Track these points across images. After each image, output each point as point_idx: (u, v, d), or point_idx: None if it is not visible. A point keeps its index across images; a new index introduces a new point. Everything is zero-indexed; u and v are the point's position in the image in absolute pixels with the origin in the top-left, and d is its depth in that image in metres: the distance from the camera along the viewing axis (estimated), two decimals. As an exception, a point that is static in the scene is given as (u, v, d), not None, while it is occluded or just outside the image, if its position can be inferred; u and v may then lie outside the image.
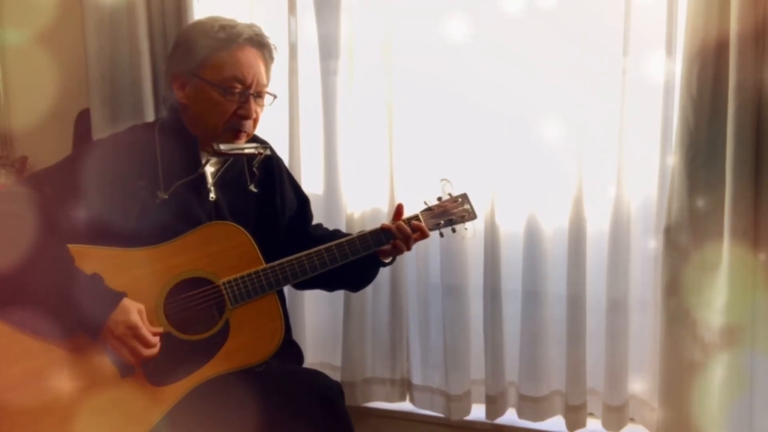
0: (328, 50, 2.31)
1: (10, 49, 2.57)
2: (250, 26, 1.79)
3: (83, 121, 2.37)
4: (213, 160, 1.81)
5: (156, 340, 1.63)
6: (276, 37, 2.27)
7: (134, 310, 1.61)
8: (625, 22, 2.02)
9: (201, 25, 1.80)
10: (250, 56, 1.76)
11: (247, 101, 1.76)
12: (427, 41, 2.22)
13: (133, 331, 1.59)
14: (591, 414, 2.26)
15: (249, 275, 1.71)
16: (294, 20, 2.28)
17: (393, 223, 1.85)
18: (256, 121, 1.81)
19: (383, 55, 2.23)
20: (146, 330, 1.61)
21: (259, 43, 1.78)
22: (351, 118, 2.30)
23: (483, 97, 2.17)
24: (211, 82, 1.74)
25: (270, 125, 2.22)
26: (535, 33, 2.11)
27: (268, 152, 1.81)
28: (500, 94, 2.16)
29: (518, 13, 2.10)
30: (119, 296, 1.61)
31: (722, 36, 1.85)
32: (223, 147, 1.73)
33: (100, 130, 2.31)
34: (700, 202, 1.94)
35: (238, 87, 1.75)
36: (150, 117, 2.28)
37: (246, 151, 1.77)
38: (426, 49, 2.22)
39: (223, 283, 1.70)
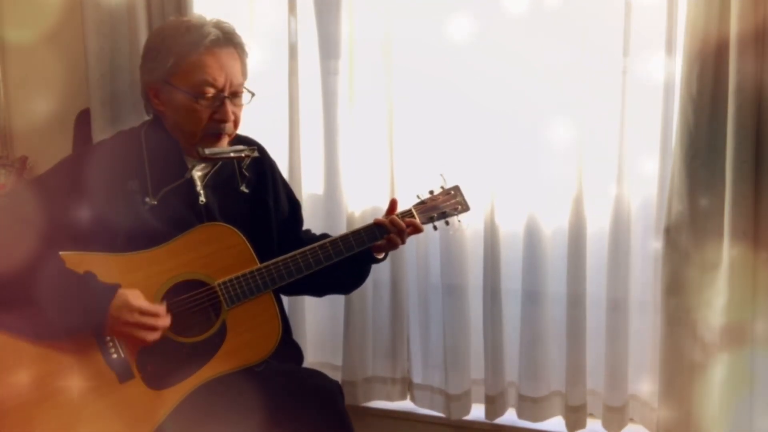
0: (328, 50, 2.31)
1: (10, 49, 2.57)
2: (218, 24, 1.73)
3: (83, 121, 2.37)
4: (200, 164, 1.80)
5: (163, 309, 1.63)
6: (276, 37, 2.29)
7: (132, 295, 1.60)
8: (625, 22, 2.02)
9: (168, 29, 1.74)
10: (221, 57, 1.71)
11: (222, 104, 1.72)
12: (427, 41, 2.21)
13: (139, 310, 1.59)
14: (591, 414, 2.26)
15: (244, 275, 1.71)
16: (294, 20, 2.28)
17: (386, 218, 1.84)
18: (236, 122, 1.77)
19: (383, 55, 2.23)
20: (150, 305, 1.61)
21: (229, 41, 1.73)
22: (351, 118, 2.30)
23: (483, 97, 2.17)
24: (182, 88, 1.70)
25: (270, 125, 2.23)
26: (536, 33, 2.11)
27: (255, 154, 1.79)
28: (500, 94, 2.15)
29: (518, 13, 2.10)
30: (114, 287, 1.60)
31: (722, 36, 1.85)
32: (207, 151, 1.71)
33: (100, 130, 2.31)
34: (700, 202, 1.94)
35: (211, 91, 1.70)
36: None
37: (232, 154, 1.75)
38: (426, 49, 2.22)
39: (219, 284, 1.70)
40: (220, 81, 1.71)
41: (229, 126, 1.75)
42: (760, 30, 1.81)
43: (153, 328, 1.61)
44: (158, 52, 1.72)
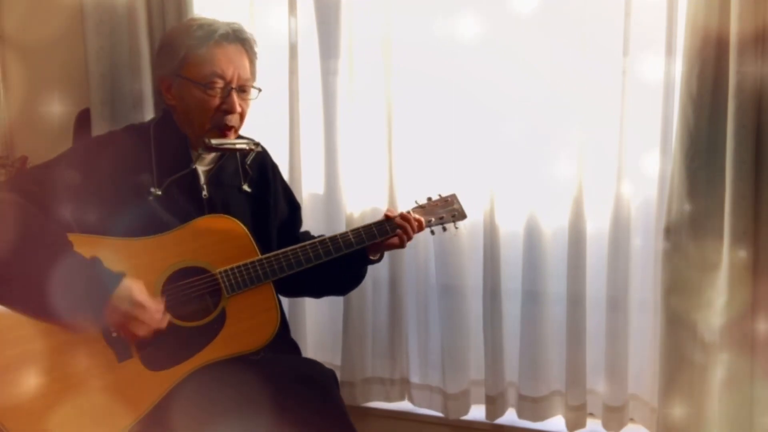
0: (328, 50, 2.32)
1: (10, 49, 2.57)
2: (229, 23, 1.81)
3: (83, 121, 2.37)
4: (206, 158, 1.84)
5: (162, 308, 1.64)
6: (276, 37, 2.29)
7: (136, 287, 1.62)
8: (625, 22, 2.02)
9: (181, 26, 1.85)
10: (230, 51, 1.78)
11: (229, 96, 1.78)
12: (427, 41, 2.22)
13: (138, 305, 1.60)
14: (591, 414, 2.26)
15: (245, 265, 1.73)
16: (294, 20, 2.28)
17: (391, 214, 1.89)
18: (242, 116, 1.83)
19: (383, 55, 2.23)
20: (150, 302, 1.63)
21: (237, 37, 1.80)
22: (351, 118, 2.30)
23: (483, 97, 2.17)
24: (193, 80, 1.76)
25: (270, 125, 2.23)
26: (535, 33, 2.11)
27: (259, 148, 1.84)
28: (500, 94, 2.16)
29: (518, 13, 2.10)
30: (119, 275, 1.62)
31: (722, 36, 1.85)
32: (214, 141, 1.77)
33: (100, 130, 2.31)
34: (700, 203, 1.94)
35: (219, 82, 1.77)
36: (150, 117, 2.28)
37: (237, 146, 1.80)
38: (426, 49, 2.22)
39: (220, 272, 1.71)
40: (228, 73, 1.77)
41: (235, 118, 1.80)
42: (760, 30, 1.82)
43: (147, 324, 1.62)
44: (170, 47, 1.80)
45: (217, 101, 1.77)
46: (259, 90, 1.84)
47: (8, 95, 2.60)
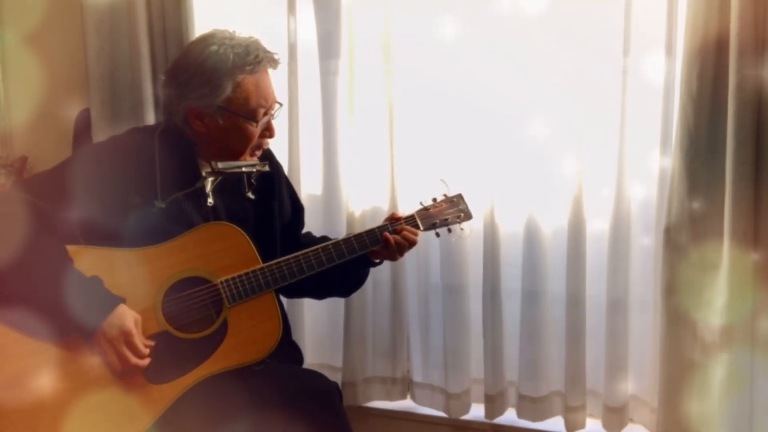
0: (328, 50, 2.31)
1: (10, 49, 2.57)
2: (257, 43, 1.75)
3: (83, 121, 2.37)
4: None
5: (147, 351, 1.63)
6: (276, 37, 2.29)
7: (130, 317, 1.61)
8: (625, 22, 2.02)
9: (214, 55, 1.70)
10: (267, 78, 1.77)
11: (268, 121, 1.79)
12: (427, 41, 2.21)
13: (126, 337, 1.59)
14: (590, 415, 2.26)
15: (246, 274, 1.72)
16: (294, 20, 2.28)
17: (390, 228, 1.85)
18: None
19: (383, 55, 2.23)
20: (139, 339, 1.61)
21: (270, 59, 1.77)
22: (351, 118, 2.30)
23: (483, 97, 2.17)
24: (238, 112, 1.73)
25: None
26: (536, 33, 2.11)
27: (266, 168, 1.81)
28: (500, 94, 2.15)
29: (519, 13, 2.10)
30: (117, 300, 1.61)
31: (722, 36, 1.85)
32: (221, 165, 1.74)
33: (100, 130, 2.31)
34: (700, 202, 1.94)
35: (263, 111, 1.76)
36: (150, 117, 2.28)
37: (244, 169, 1.78)
38: (426, 49, 2.22)
39: (221, 282, 1.70)
40: (270, 100, 1.78)
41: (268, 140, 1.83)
42: (760, 30, 1.81)
43: (126, 362, 1.60)
44: (210, 81, 1.70)
45: (259, 129, 1.77)
46: (280, 104, 1.83)
47: (8, 95, 2.60)
